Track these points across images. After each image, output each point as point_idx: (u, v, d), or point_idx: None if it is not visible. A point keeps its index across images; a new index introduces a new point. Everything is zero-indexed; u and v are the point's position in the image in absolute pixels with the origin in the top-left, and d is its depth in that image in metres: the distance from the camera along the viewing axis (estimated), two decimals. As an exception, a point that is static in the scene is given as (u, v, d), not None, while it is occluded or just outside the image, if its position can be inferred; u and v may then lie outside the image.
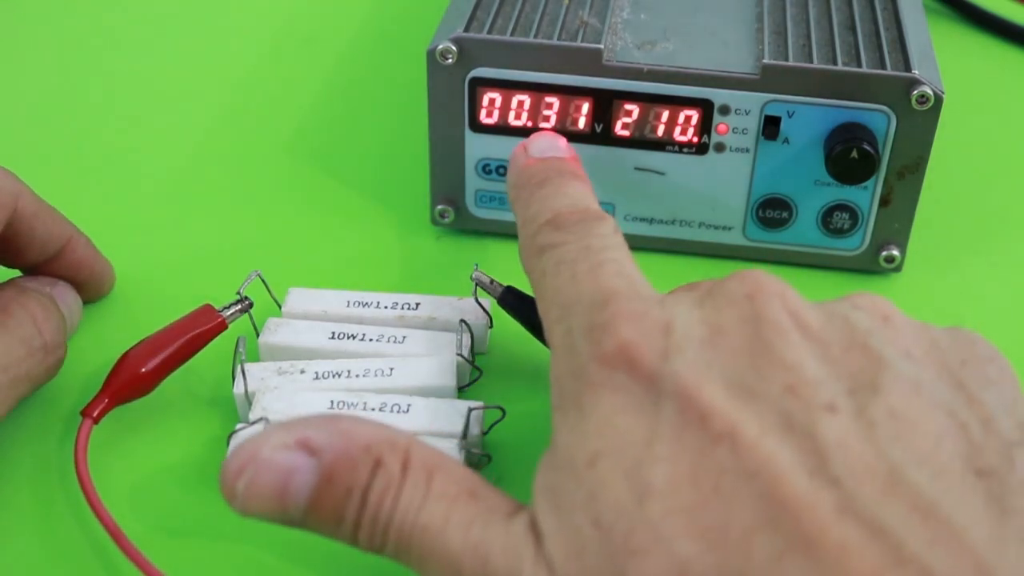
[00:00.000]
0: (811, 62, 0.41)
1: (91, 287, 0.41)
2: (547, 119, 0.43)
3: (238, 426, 0.36)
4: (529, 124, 0.43)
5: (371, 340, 0.39)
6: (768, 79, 0.41)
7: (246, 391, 0.37)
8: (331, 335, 0.39)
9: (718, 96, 0.42)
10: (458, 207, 0.46)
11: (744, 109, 0.42)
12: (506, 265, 0.40)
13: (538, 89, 0.42)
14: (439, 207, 0.46)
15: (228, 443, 0.35)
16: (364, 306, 0.40)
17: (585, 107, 0.42)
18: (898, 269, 0.45)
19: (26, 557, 0.34)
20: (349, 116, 0.54)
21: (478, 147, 0.44)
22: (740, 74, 0.41)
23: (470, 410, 0.36)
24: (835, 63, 0.41)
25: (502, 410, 0.37)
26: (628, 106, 0.42)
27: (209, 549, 0.34)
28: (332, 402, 0.36)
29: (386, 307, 0.40)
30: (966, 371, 0.28)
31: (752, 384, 0.26)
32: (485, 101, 0.43)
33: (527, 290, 0.35)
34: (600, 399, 0.27)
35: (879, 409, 0.26)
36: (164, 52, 0.59)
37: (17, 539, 0.34)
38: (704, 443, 0.25)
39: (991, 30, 0.62)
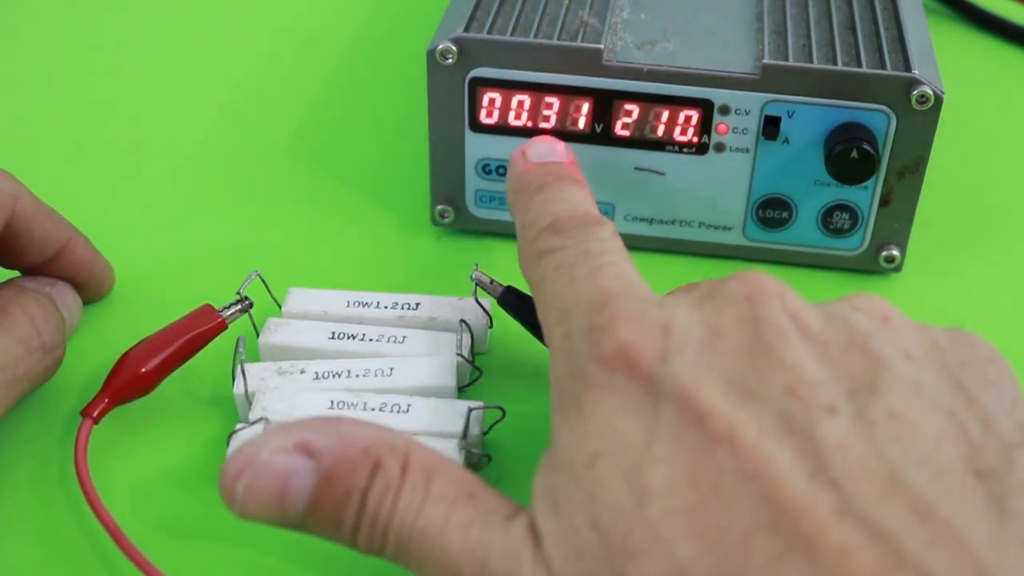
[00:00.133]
0: (811, 62, 0.41)
1: (91, 287, 0.41)
2: (547, 119, 0.43)
3: (238, 426, 0.36)
4: (529, 124, 0.43)
5: (371, 340, 0.39)
6: (768, 79, 0.41)
7: (246, 391, 0.37)
8: (331, 335, 0.39)
9: (718, 96, 0.42)
10: (458, 207, 0.46)
11: (744, 109, 0.42)
12: (506, 265, 0.40)
13: (538, 89, 0.42)
14: (439, 207, 0.46)
15: (228, 443, 0.35)
16: (364, 306, 0.40)
17: (585, 107, 0.42)
18: (898, 269, 0.45)
19: (26, 557, 0.34)
20: (349, 116, 0.54)
21: (478, 147, 0.44)
22: (740, 74, 0.41)
23: (470, 410, 0.36)
24: (835, 63, 0.41)
25: (502, 410, 0.37)
26: (628, 106, 0.42)
27: (209, 549, 0.34)
28: (332, 402, 0.36)
29: (386, 307, 0.40)
30: (966, 372, 0.28)
31: (751, 385, 0.26)
32: (485, 101, 0.43)
33: (527, 290, 0.36)
34: (599, 400, 0.27)
35: (879, 410, 0.26)
36: (164, 52, 0.59)
37: (17, 539, 0.34)
38: (703, 444, 0.25)
39: (991, 30, 0.62)
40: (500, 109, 0.43)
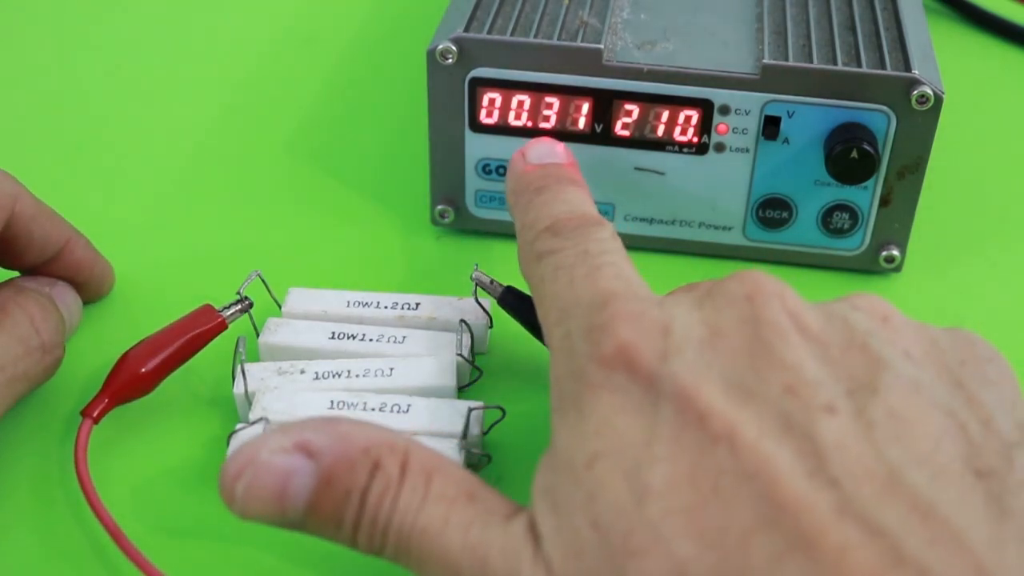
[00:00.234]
0: (811, 62, 0.41)
1: (91, 288, 0.41)
2: (547, 119, 0.43)
3: (238, 426, 0.36)
4: (529, 124, 0.43)
5: (371, 340, 0.39)
6: (768, 79, 0.41)
7: (246, 391, 0.37)
8: (331, 335, 0.39)
9: (718, 96, 0.42)
10: (458, 207, 0.46)
11: (744, 109, 0.42)
12: (506, 265, 0.40)
13: (538, 89, 0.42)
14: (439, 207, 0.46)
15: (228, 443, 0.35)
16: (364, 306, 0.40)
17: (585, 107, 0.42)
18: (898, 269, 0.45)
19: (26, 557, 0.34)
20: (349, 116, 0.54)
21: (478, 147, 0.44)
22: (740, 74, 0.41)
23: (470, 410, 0.36)
24: (835, 63, 0.41)
25: (502, 410, 0.37)
26: (628, 106, 0.42)
27: (209, 549, 0.34)
28: (332, 402, 0.36)
29: (386, 307, 0.40)
30: (965, 371, 0.28)
31: (751, 385, 0.26)
32: (485, 101, 0.43)
33: (527, 290, 0.36)
34: (599, 400, 0.27)
35: (878, 410, 0.26)
36: (164, 52, 0.59)
37: (17, 539, 0.34)
38: (703, 444, 0.25)
39: (991, 30, 0.62)
40: (500, 109, 0.43)
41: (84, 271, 0.40)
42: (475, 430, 0.36)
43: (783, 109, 0.41)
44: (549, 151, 0.38)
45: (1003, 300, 0.45)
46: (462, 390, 0.39)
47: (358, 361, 0.38)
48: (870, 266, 0.45)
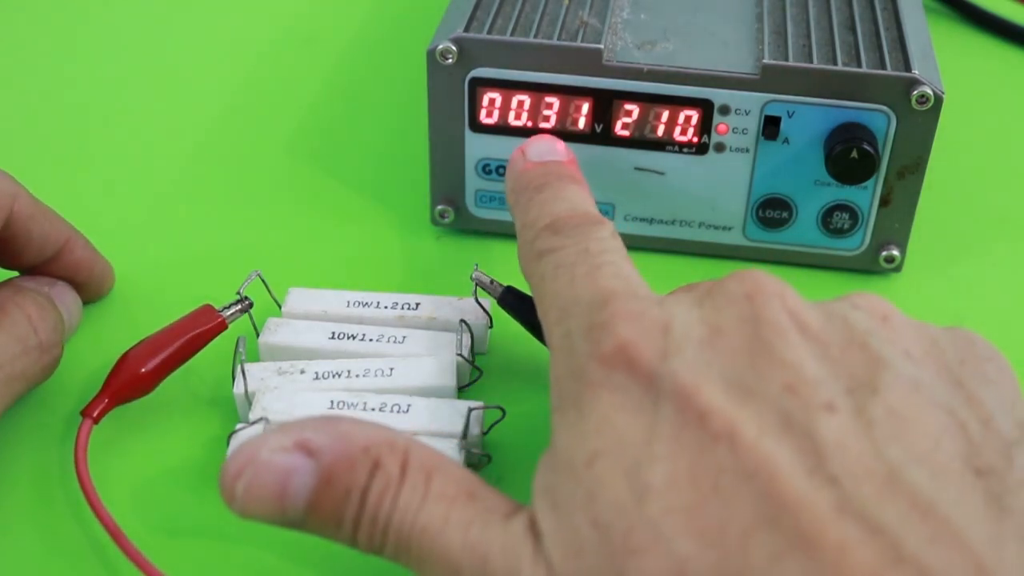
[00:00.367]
0: (811, 62, 0.41)
1: (90, 288, 0.41)
2: (547, 119, 0.43)
3: (238, 426, 0.36)
4: (529, 124, 0.43)
5: (371, 340, 0.39)
6: (768, 79, 0.41)
7: (246, 391, 0.37)
8: (331, 335, 0.39)
9: (718, 96, 0.42)
10: (458, 207, 0.46)
11: (744, 109, 0.42)
12: (506, 265, 0.40)
13: (538, 89, 0.42)
14: (439, 207, 0.46)
15: (228, 443, 0.35)
16: (364, 306, 0.40)
17: (585, 107, 0.42)
18: (898, 269, 0.45)
19: (26, 557, 0.34)
20: (349, 116, 0.54)
21: (478, 147, 0.44)
22: (740, 74, 0.41)
23: (470, 410, 0.36)
24: (835, 63, 0.41)
25: (502, 410, 0.37)
26: (628, 106, 0.42)
27: (209, 549, 0.34)
28: (332, 402, 0.36)
29: (386, 307, 0.40)
30: (965, 370, 0.28)
31: (751, 384, 0.26)
32: (485, 101, 0.43)
33: (527, 290, 0.36)
34: (599, 399, 0.27)
35: (878, 408, 0.26)
36: (164, 52, 0.59)
37: (17, 539, 0.34)
38: (703, 442, 0.25)
39: (991, 30, 0.62)
40: (500, 109, 0.43)
41: (84, 271, 0.40)
42: (475, 430, 0.36)
43: (783, 109, 0.41)
44: (549, 148, 0.38)
45: (1003, 300, 0.45)
46: (462, 390, 0.39)
47: (358, 361, 0.38)
48: (870, 266, 0.45)
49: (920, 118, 0.41)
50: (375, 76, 0.58)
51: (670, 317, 0.28)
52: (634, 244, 0.41)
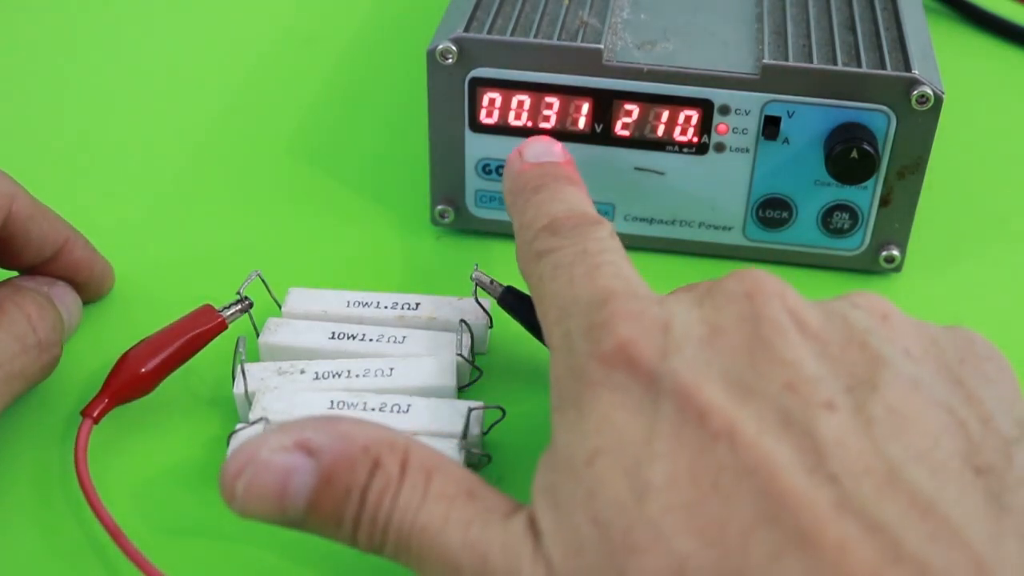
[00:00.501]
0: (811, 62, 0.41)
1: (90, 288, 0.41)
2: (547, 119, 0.43)
3: (238, 426, 0.36)
4: (529, 124, 0.43)
5: (371, 340, 0.39)
6: (768, 79, 0.41)
7: (246, 391, 0.37)
8: (331, 335, 0.39)
9: (718, 96, 0.42)
10: (458, 207, 0.46)
11: (744, 109, 0.42)
12: (506, 265, 0.39)
13: (538, 89, 0.42)
14: (439, 207, 0.46)
15: (228, 443, 0.35)
16: (364, 306, 0.40)
17: (585, 107, 0.42)
18: (898, 269, 0.45)
19: (26, 557, 0.34)
20: (349, 116, 0.54)
21: (478, 147, 0.44)
22: (740, 74, 0.41)
23: (470, 410, 0.36)
24: (835, 63, 0.41)
25: (502, 410, 0.37)
26: (628, 106, 0.42)
27: (209, 549, 0.34)
28: (332, 402, 0.36)
29: (386, 307, 0.40)
30: (965, 369, 0.28)
31: (751, 382, 0.26)
32: (485, 101, 0.43)
33: (527, 290, 0.36)
34: (599, 397, 0.27)
35: (878, 406, 0.26)
36: (164, 52, 0.59)
37: (17, 539, 0.34)
38: (703, 441, 0.25)
39: (991, 30, 0.62)
40: (500, 109, 0.43)
41: (83, 271, 0.40)
42: (475, 430, 0.36)
43: (783, 109, 0.41)
44: (546, 150, 0.38)
45: (1003, 300, 0.45)
46: (462, 390, 0.39)
47: (358, 361, 0.38)
48: (870, 266, 0.45)
49: (920, 118, 0.41)
50: (375, 76, 0.58)
51: (670, 316, 0.28)
52: (634, 244, 0.41)
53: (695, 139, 0.43)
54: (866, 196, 0.43)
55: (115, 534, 0.33)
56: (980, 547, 0.23)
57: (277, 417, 0.35)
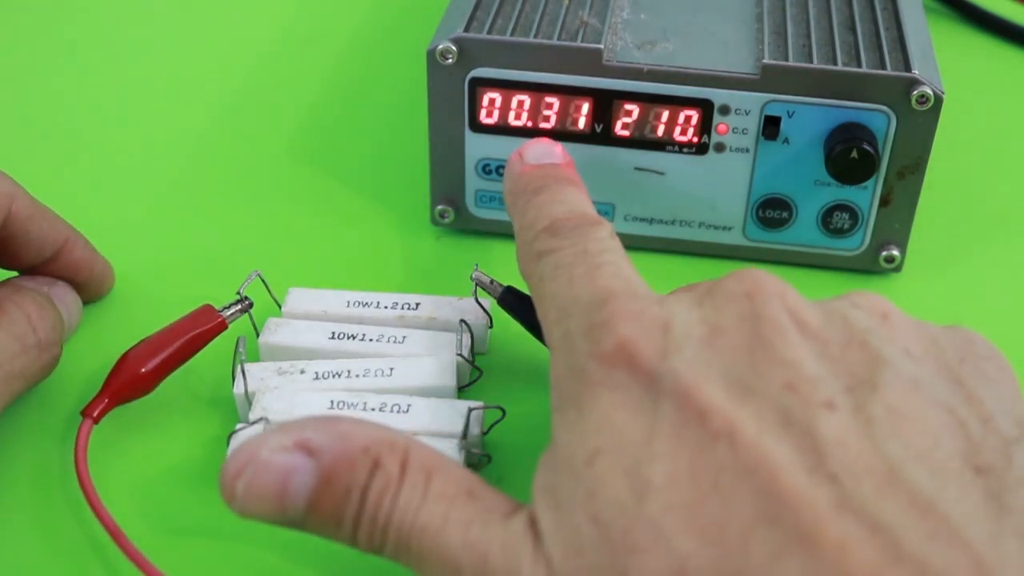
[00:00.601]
0: (811, 62, 0.41)
1: (90, 288, 0.41)
2: (547, 119, 0.43)
3: (238, 426, 0.36)
4: (529, 124, 0.43)
5: (371, 340, 0.39)
6: (768, 79, 0.41)
7: (246, 391, 0.37)
8: (331, 335, 0.39)
9: (718, 96, 0.42)
10: (458, 207, 0.46)
11: (744, 109, 0.42)
12: (506, 265, 0.39)
13: (538, 89, 0.42)
14: (439, 207, 0.46)
15: (228, 443, 0.35)
16: (364, 306, 0.40)
17: (585, 107, 0.42)
18: (898, 269, 0.45)
19: (26, 557, 0.34)
20: (349, 116, 0.54)
21: (478, 147, 0.44)
22: (740, 74, 0.41)
23: (470, 410, 0.36)
24: (835, 63, 0.41)
25: (502, 410, 0.37)
26: (628, 106, 0.42)
27: (209, 549, 0.34)
28: (332, 402, 0.36)
29: (386, 307, 0.40)
30: (965, 369, 0.28)
31: (751, 382, 0.26)
32: (485, 101, 0.43)
33: (527, 290, 0.36)
34: (599, 397, 0.27)
35: (877, 406, 0.26)
36: (164, 52, 0.59)
37: (17, 539, 0.34)
38: (703, 440, 0.25)
39: (991, 30, 0.62)
40: (500, 109, 0.43)
41: (83, 271, 0.40)
42: (475, 430, 0.36)
43: (783, 109, 0.41)
44: (546, 151, 0.38)
45: (1003, 300, 0.45)
46: (462, 390, 0.39)
47: (358, 361, 0.38)
48: (870, 266, 0.45)
49: (920, 118, 0.41)
50: (375, 76, 0.58)
51: (670, 316, 0.28)
52: (634, 244, 0.41)
53: (695, 139, 0.43)
54: (866, 196, 0.43)
55: (115, 534, 0.33)
56: (980, 547, 0.23)
57: (277, 417, 0.35)
